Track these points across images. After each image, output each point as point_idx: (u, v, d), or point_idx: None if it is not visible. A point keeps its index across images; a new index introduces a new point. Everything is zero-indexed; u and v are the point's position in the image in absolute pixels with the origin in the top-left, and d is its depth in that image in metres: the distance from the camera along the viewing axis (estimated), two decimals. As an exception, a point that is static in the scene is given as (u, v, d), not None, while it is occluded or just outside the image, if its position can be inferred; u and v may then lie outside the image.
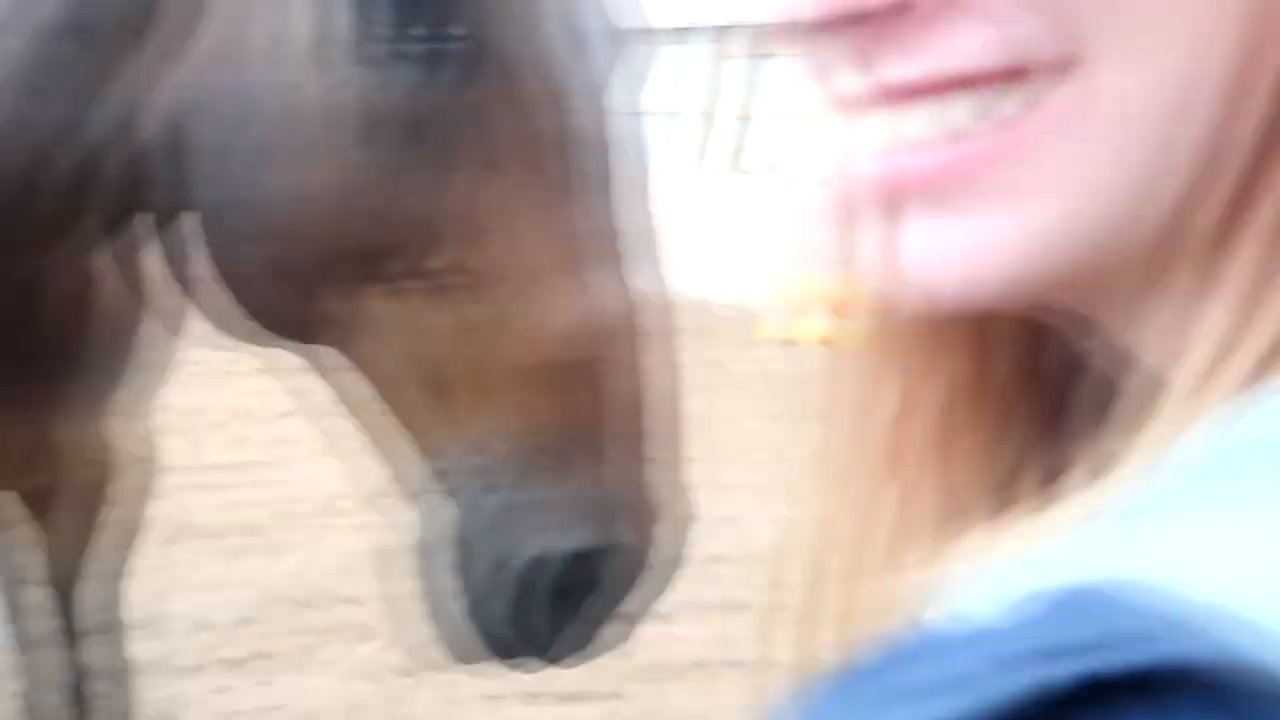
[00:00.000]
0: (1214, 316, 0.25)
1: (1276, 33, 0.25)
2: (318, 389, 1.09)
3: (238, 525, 3.98)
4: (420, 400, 0.97)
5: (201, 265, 1.03)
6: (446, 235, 0.93)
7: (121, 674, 1.73)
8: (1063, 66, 0.25)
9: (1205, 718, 0.20)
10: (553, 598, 0.92)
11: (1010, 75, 0.26)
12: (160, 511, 1.96)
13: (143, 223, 1.11)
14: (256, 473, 4.52)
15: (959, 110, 0.27)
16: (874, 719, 0.24)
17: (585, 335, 0.91)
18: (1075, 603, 0.22)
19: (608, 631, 0.97)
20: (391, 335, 0.96)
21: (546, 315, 0.91)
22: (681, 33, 9.99)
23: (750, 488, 4.64)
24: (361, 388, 1.02)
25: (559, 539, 0.91)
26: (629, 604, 0.95)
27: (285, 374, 1.17)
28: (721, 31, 9.79)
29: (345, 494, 4.28)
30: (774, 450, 5.12)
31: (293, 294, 0.99)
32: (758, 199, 9.05)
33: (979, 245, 0.28)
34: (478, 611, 0.95)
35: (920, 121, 0.28)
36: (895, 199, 0.28)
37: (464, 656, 0.99)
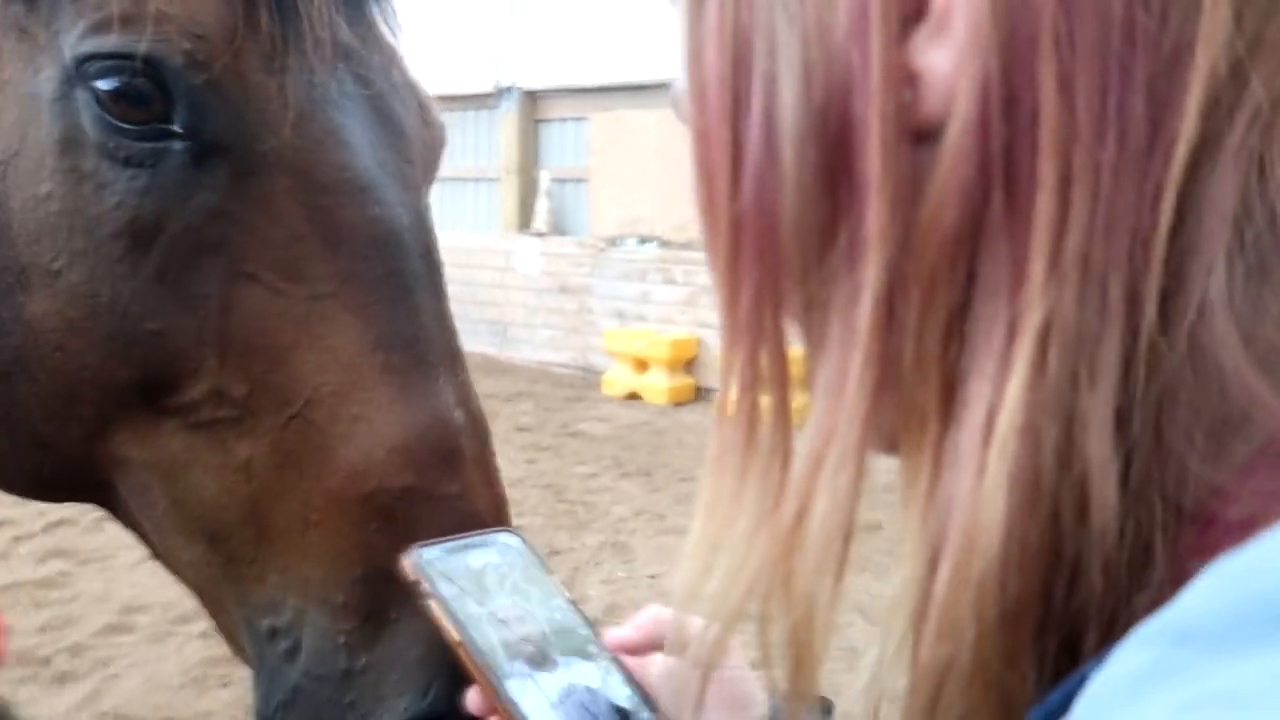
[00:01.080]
0: None
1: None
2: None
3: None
4: (195, 556, 0.82)
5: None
6: (200, 362, 0.79)
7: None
8: None
9: None
10: None
11: None
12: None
13: None
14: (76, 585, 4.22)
15: None
16: None
17: (395, 462, 0.76)
18: None
19: None
20: (150, 483, 0.82)
21: (340, 444, 0.76)
22: (485, 98, 10.12)
23: (610, 545, 4.72)
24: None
25: (386, 713, 0.73)
26: None
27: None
28: (530, 95, 9.98)
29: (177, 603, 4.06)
30: (630, 506, 5.25)
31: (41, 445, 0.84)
32: (583, 258, 9.20)
33: None
34: None
35: None
36: None
37: None
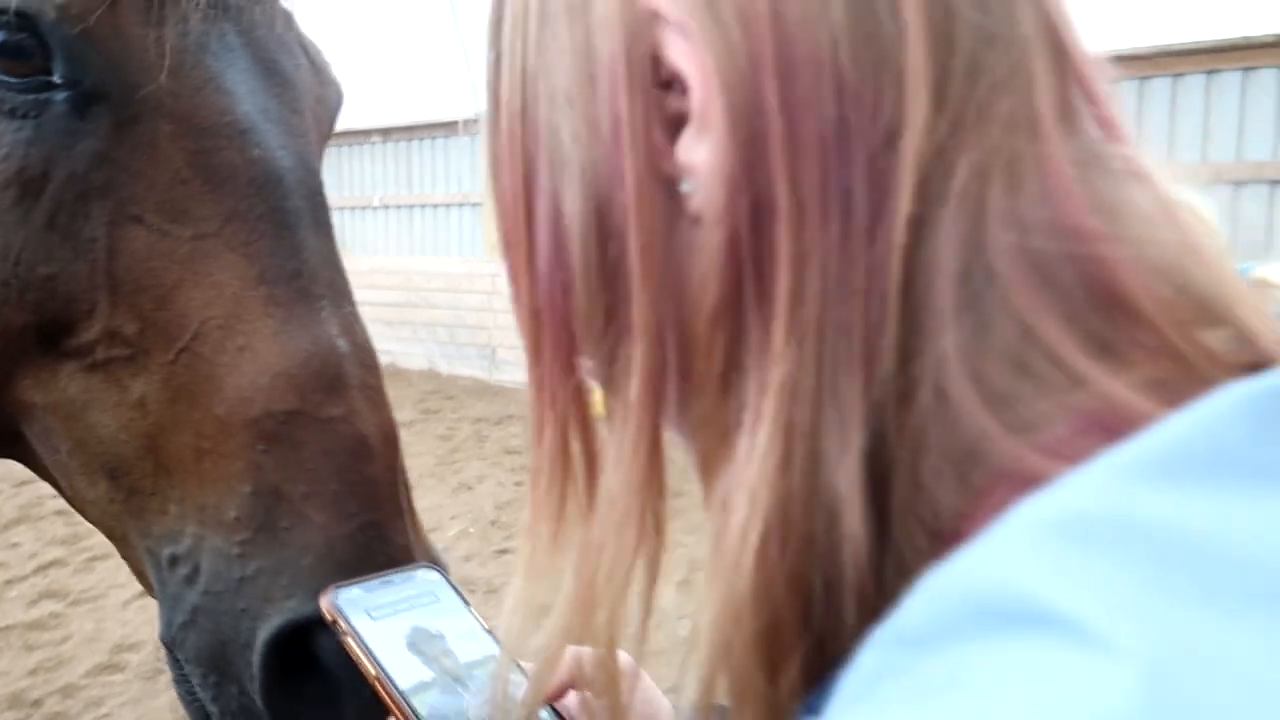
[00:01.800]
0: None
1: None
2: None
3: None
4: (99, 494, 0.85)
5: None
6: (93, 304, 0.82)
7: None
8: None
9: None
10: (302, 682, 0.78)
11: None
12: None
13: None
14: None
15: None
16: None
17: (279, 387, 0.79)
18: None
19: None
20: (53, 426, 0.85)
21: (227, 374, 0.79)
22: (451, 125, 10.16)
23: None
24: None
25: (276, 614, 0.77)
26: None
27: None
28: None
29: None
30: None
31: None
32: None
33: None
34: (221, 718, 0.81)
35: None
36: None
37: None
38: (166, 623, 0.82)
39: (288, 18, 0.96)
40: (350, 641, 0.66)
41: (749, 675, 0.36)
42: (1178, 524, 0.27)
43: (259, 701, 0.78)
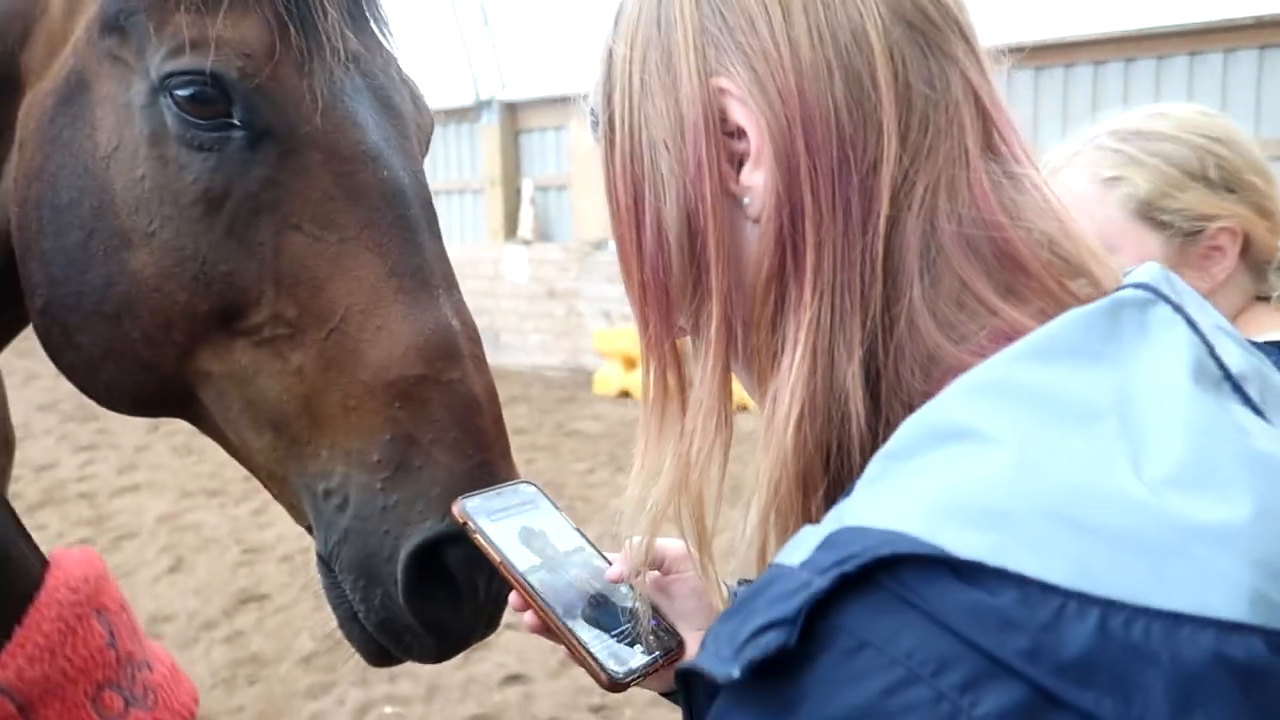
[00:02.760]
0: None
1: None
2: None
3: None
4: (264, 443, 1.05)
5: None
6: (261, 293, 1.03)
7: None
8: None
9: (909, 577, 0.41)
10: (434, 586, 0.97)
11: None
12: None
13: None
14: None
15: None
16: (740, 629, 0.47)
17: (409, 358, 1.00)
18: (830, 541, 0.46)
19: (489, 612, 1.02)
20: (227, 390, 1.06)
21: (368, 348, 1.00)
22: (479, 108, 10.27)
23: (605, 538, 4.90)
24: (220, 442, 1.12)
25: (415, 534, 0.96)
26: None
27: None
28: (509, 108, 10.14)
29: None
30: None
31: (135, 367, 1.07)
32: (569, 263, 9.38)
33: None
34: (362, 619, 1.01)
35: None
36: None
37: (378, 658, 1.05)
38: (323, 541, 1.03)
39: (396, 62, 1.19)
40: (478, 538, 0.87)
41: (791, 501, 0.57)
42: (1039, 382, 0.48)
43: (400, 600, 0.98)
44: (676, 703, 0.90)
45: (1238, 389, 0.50)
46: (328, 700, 3.53)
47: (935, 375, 0.54)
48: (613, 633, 0.85)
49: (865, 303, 0.56)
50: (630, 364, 8.34)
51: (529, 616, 0.86)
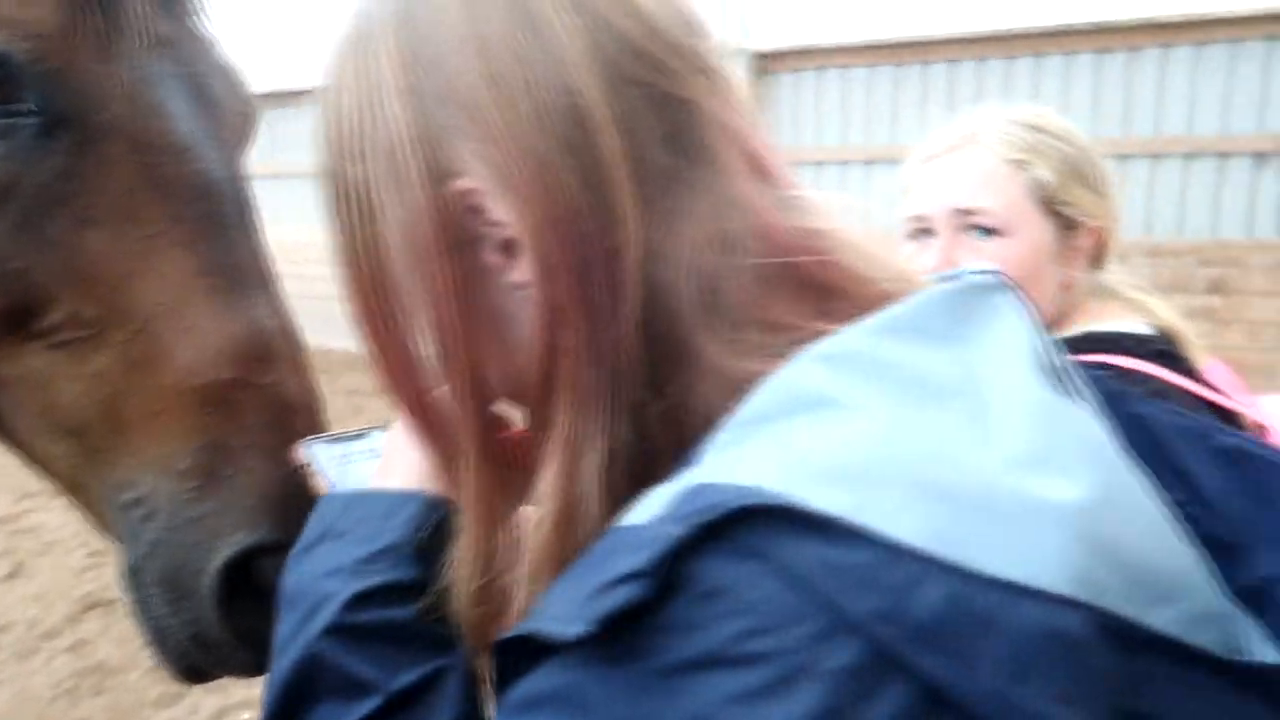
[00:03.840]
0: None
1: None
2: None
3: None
4: (63, 451, 1.00)
5: None
6: (57, 293, 0.96)
7: None
8: None
9: (764, 529, 0.40)
10: (249, 598, 0.93)
11: None
12: None
13: None
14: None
15: None
16: (584, 586, 0.43)
17: (220, 360, 0.94)
18: (684, 496, 0.44)
19: None
20: (22, 396, 0.99)
21: (176, 350, 0.95)
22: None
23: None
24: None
25: (225, 546, 0.92)
26: None
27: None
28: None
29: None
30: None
31: None
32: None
33: None
34: (172, 635, 0.97)
35: None
36: None
37: (191, 675, 1.01)
38: (130, 554, 0.98)
39: (212, 47, 1.12)
40: (319, 480, 0.84)
41: (551, 573, 0.56)
42: (894, 357, 0.49)
43: (212, 614, 0.94)
44: None
45: (1060, 380, 0.53)
46: (180, 709, 3.40)
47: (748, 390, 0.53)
48: None
49: (616, 401, 0.55)
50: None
51: None
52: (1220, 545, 0.54)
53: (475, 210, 0.57)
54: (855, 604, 0.39)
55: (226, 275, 0.98)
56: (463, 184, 0.57)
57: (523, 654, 0.45)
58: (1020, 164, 1.37)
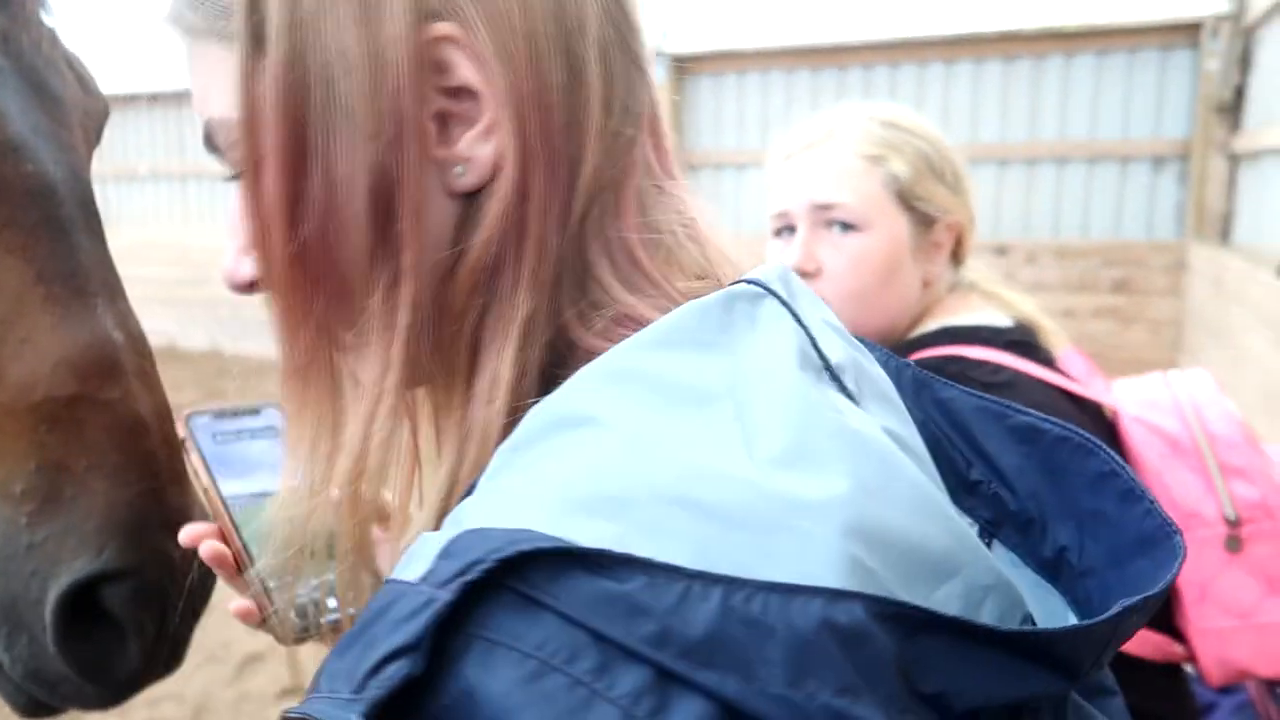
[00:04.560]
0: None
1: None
2: None
3: None
4: None
5: None
6: None
7: None
8: None
9: (535, 575, 0.39)
10: (88, 629, 0.88)
11: None
12: None
13: None
14: None
15: None
16: (359, 664, 0.39)
17: (59, 375, 0.89)
18: (450, 549, 0.41)
19: (165, 652, 0.93)
20: None
21: (10, 364, 0.89)
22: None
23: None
24: None
25: (65, 574, 0.86)
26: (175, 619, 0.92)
27: None
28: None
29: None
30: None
31: None
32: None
33: None
34: (9, 671, 0.91)
35: None
36: None
37: (33, 711, 0.94)
38: None
39: (53, 38, 1.04)
40: (193, 456, 0.78)
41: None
42: (655, 369, 0.48)
43: (51, 647, 0.88)
44: None
45: (835, 378, 0.53)
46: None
47: (571, 364, 0.53)
48: (312, 584, 0.76)
49: (553, 304, 0.55)
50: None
51: (211, 548, 0.76)
52: (1022, 521, 0.57)
53: (439, 66, 0.53)
54: (630, 633, 0.39)
55: (66, 283, 0.91)
56: (444, 28, 0.52)
57: None
58: (876, 159, 1.39)
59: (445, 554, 0.42)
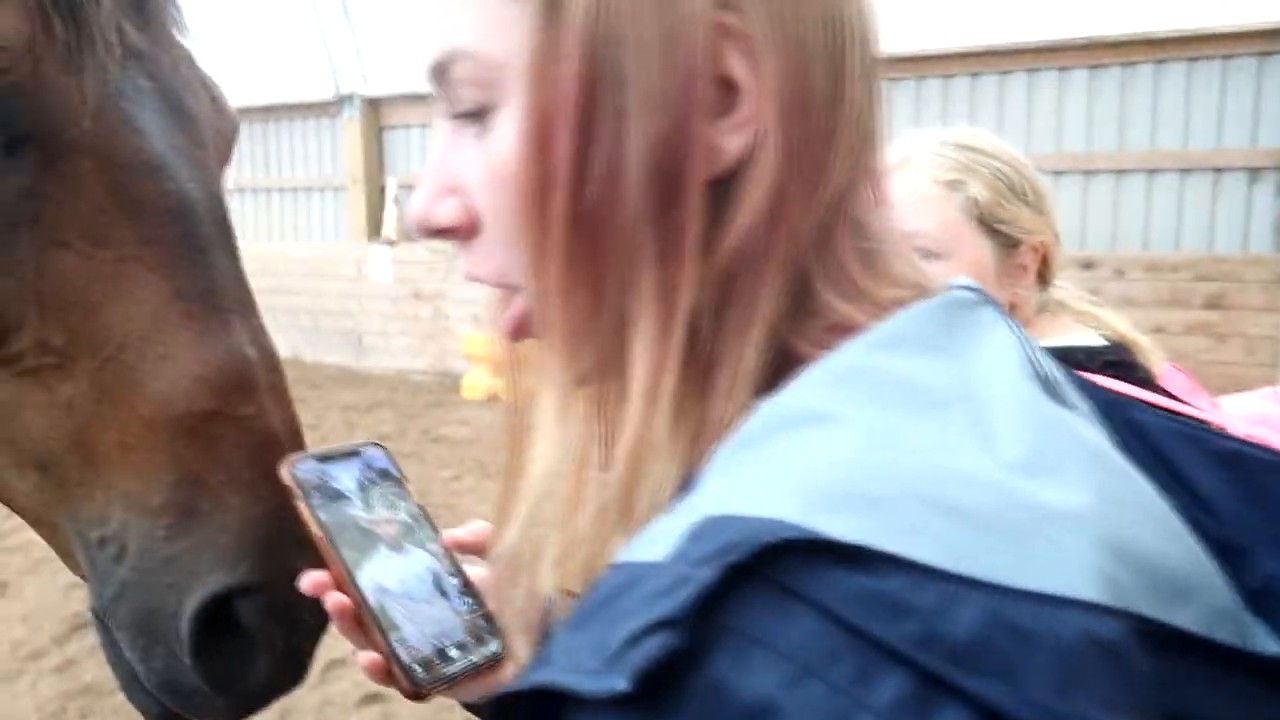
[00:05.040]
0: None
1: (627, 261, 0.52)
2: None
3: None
4: (30, 485, 0.94)
5: None
6: (22, 318, 0.91)
7: None
8: (511, 288, 0.58)
9: (793, 566, 0.39)
10: (221, 642, 0.89)
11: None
12: None
13: None
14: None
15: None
16: (608, 636, 0.39)
17: (197, 390, 0.89)
18: (700, 532, 0.41)
19: (292, 666, 0.94)
20: None
21: (149, 379, 0.90)
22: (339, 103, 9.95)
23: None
24: None
25: (201, 587, 0.87)
26: (303, 638, 0.93)
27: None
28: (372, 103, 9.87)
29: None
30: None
31: None
32: (436, 264, 9.20)
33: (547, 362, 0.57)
34: (144, 681, 0.92)
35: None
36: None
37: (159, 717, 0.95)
38: (97, 595, 0.93)
39: (190, 60, 1.07)
40: (301, 505, 0.78)
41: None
42: (887, 369, 0.48)
43: (186, 659, 0.89)
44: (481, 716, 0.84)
45: (1052, 390, 0.52)
46: (169, 731, 3.33)
47: (784, 369, 0.52)
48: (432, 633, 0.77)
49: (781, 307, 0.54)
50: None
51: (334, 600, 0.76)
52: (1221, 548, 0.54)
53: (716, 54, 0.52)
54: (893, 632, 0.38)
55: (203, 300, 0.93)
56: (727, 18, 0.52)
57: (531, 707, 0.41)
58: (953, 184, 1.38)
59: (695, 536, 0.41)
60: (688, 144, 0.51)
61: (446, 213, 0.58)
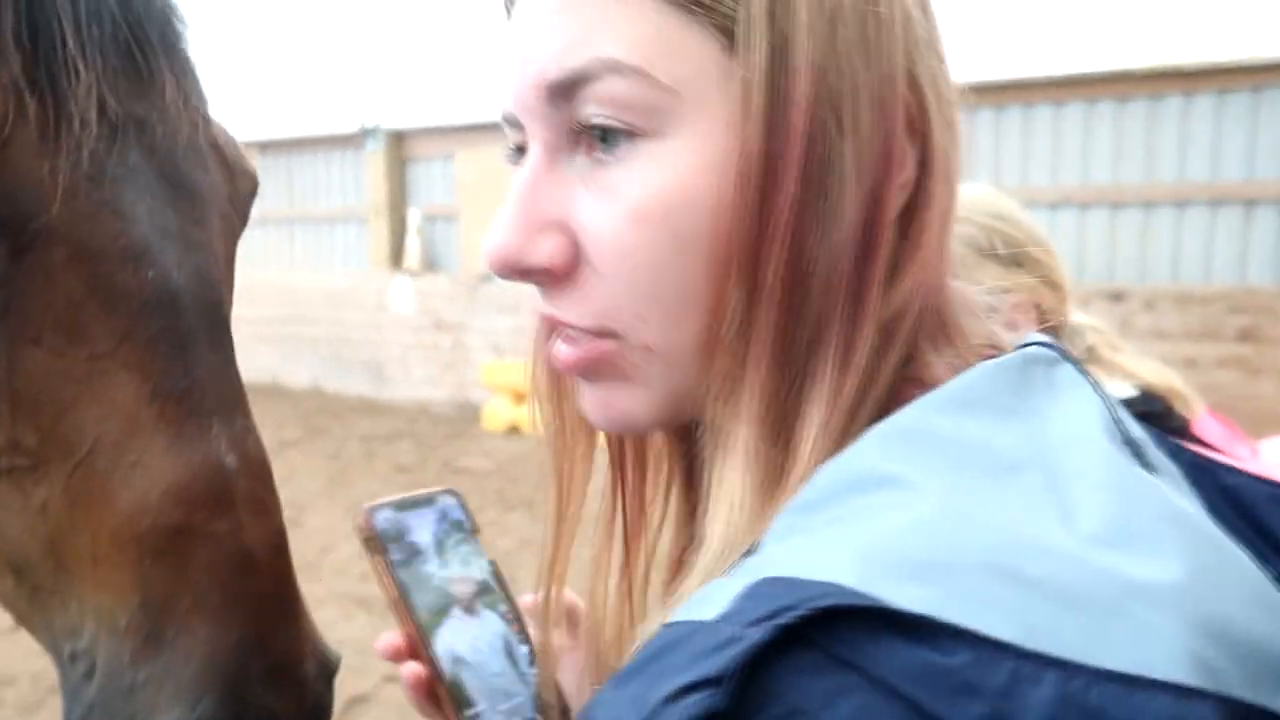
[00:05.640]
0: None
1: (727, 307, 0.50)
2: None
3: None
4: (8, 588, 0.89)
5: None
6: None
7: None
8: (610, 333, 0.53)
9: (848, 633, 0.37)
10: None
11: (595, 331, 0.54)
12: None
13: None
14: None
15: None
16: (649, 692, 0.38)
17: (167, 503, 0.83)
18: (755, 592, 0.40)
19: None
20: None
21: (120, 488, 0.83)
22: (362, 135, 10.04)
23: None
24: None
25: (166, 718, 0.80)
26: None
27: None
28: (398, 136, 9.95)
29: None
30: (518, 537, 5.30)
31: None
32: (457, 294, 9.21)
33: (612, 404, 0.56)
34: None
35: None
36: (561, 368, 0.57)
37: None
38: (67, 711, 0.86)
39: (199, 123, 0.98)
40: (379, 561, 0.73)
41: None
42: (956, 432, 0.46)
43: None
44: None
45: (1138, 453, 0.49)
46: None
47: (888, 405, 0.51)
48: (505, 709, 0.73)
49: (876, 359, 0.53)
50: (521, 399, 8.20)
51: (410, 671, 0.73)
52: None
53: (908, 109, 0.53)
54: (956, 713, 0.35)
55: (180, 401, 0.86)
56: (906, 90, 0.53)
57: None
58: None
59: (749, 596, 0.40)
60: (889, 198, 0.51)
61: (547, 251, 0.53)
